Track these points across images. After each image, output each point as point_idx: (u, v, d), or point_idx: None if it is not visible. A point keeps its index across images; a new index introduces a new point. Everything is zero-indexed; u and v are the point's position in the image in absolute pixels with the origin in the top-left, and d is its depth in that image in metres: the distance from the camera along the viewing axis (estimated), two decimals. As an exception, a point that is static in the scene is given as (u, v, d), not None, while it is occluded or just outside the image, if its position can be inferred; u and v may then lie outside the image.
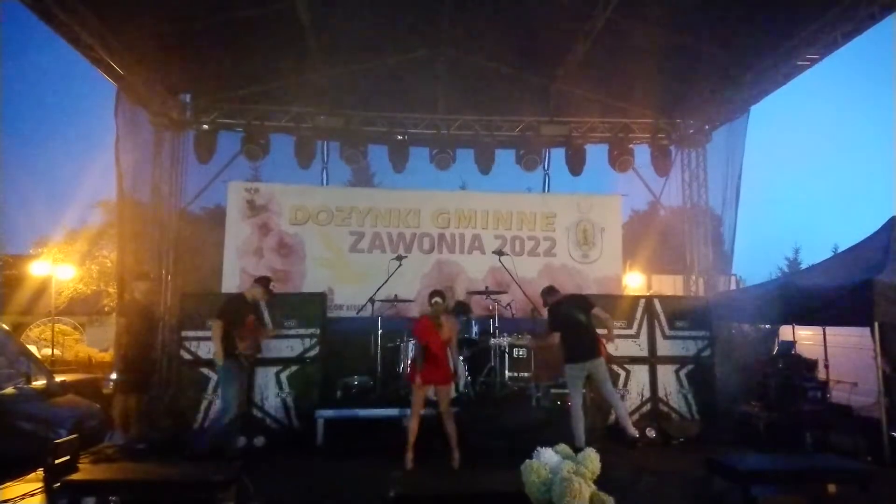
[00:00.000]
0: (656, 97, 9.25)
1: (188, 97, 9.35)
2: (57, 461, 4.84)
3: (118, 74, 7.76)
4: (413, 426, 5.59)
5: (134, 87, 8.05)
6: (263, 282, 6.35)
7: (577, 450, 5.14)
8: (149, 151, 8.66)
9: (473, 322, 7.65)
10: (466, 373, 6.97)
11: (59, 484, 4.19)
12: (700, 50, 7.94)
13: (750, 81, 8.39)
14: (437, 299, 5.81)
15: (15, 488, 4.72)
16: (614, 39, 7.62)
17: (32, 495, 4.53)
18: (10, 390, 6.68)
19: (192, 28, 7.27)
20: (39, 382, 7.17)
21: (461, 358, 6.79)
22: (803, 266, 29.03)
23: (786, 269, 28.99)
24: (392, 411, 6.45)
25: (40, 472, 5.00)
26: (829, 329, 7.83)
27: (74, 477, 4.35)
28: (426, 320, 5.76)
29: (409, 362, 6.82)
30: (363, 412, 6.54)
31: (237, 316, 5.97)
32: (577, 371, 6.09)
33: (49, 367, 9.35)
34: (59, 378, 8.05)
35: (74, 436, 5.35)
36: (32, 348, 11.04)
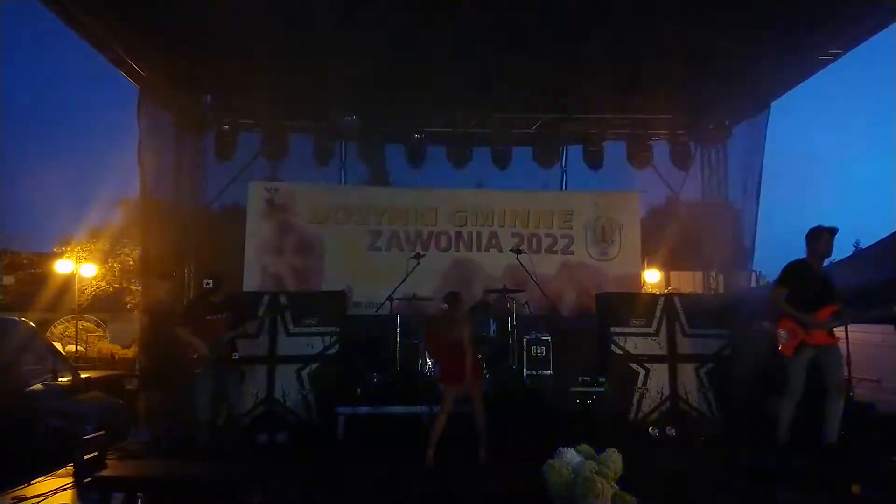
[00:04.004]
0: (675, 93, 9.14)
1: (209, 98, 9.46)
2: (86, 457, 4.96)
3: (140, 76, 7.87)
4: (437, 425, 5.63)
5: (156, 89, 8.14)
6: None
7: (782, 444, 5.10)
8: (171, 151, 8.75)
9: (491, 320, 7.67)
10: (485, 373, 6.98)
11: (89, 480, 4.30)
12: (720, 45, 7.84)
13: (770, 77, 8.28)
14: (444, 305, 5.88)
15: (45, 483, 4.83)
16: (633, 35, 7.56)
17: (63, 490, 4.64)
18: (37, 386, 6.83)
19: (212, 30, 7.33)
20: (65, 379, 7.32)
21: (479, 356, 6.82)
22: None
23: (806, 265, 28.62)
24: (412, 408, 6.50)
25: (70, 468, 5.13)
26: (851, 326, 7.73)
27: (104, 473, 4.46)
28: (435, 323, 5.88)
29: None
30: (383, 409, 6.59)
31: (196, 319, 5.95)
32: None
33: (73, 363, 9.53)
34: (83, 375, 8.21)
35: (102, 432, 5.48)
36: (57, 345, 11.27)
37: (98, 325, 19.40)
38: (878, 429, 6.11)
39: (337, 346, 7.04)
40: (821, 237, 5.19)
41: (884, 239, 6.78)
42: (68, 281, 16.29)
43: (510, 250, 8.81)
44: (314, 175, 9.78)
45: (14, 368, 6.79)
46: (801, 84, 8.24)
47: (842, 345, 7.65)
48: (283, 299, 7.17)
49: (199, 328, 5.88)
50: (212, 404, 5.98)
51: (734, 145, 9.73)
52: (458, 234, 9.78)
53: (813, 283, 5.06)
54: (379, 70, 8.56)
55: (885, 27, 6.71)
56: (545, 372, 7.39)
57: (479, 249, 9.76)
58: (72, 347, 15.52)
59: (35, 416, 6.23)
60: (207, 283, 6.00)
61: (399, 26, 7.70)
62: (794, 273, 5.20)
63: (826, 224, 5.37)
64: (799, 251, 5.58)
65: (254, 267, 9.32)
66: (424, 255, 8.63)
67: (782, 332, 5.18)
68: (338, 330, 7.09)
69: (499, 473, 5.29)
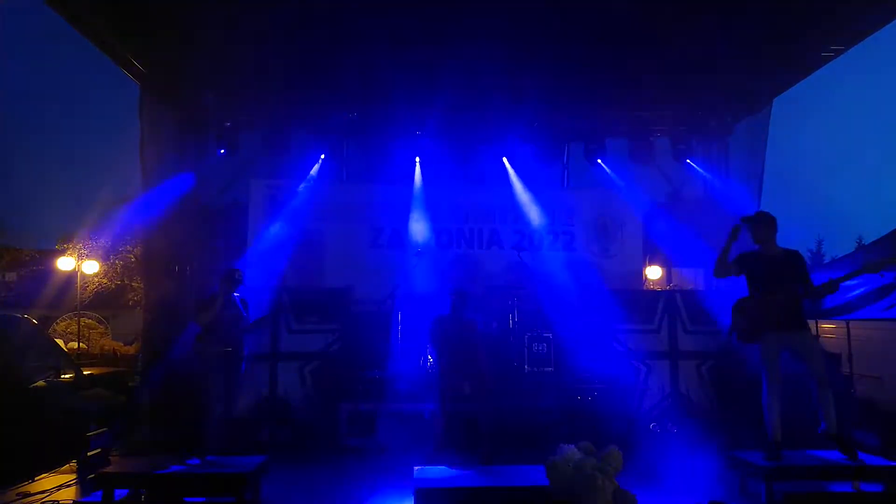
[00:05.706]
0: (677, 89, 9.13)
1: (210, 95, 9.43)
2: (89, 454, 4.98)
3: (141, 73, 7.87)
4: (441, 421, 5.64)
5: (157, 86, 8.14)
6: (228, 274, 6.15)
7: (773, 444, 4.73)
8: (172, 149, 8.75)
9: (492, 317, 7.67)
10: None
11: (92, 476, 4.31)
12: (722, 41, 7.82)
13: (772, 73, 8.27)
14: (452, 301, 5.87)
15: (49, 480, 4.85)
16: (635, 32, 7.54)
17: (67, 486, 4.66)
18: (40, 383, 6.85)
19: (213, 28, 7.33)
20: (68, 376, 7.34)
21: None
22: (826, 259, 28.74)
23: (808, 262, 28.68)
24: (414, 405, 6.51)
25: (73, 465, 5.16)
26: (852, 322, 7.75)
27: (107, 470, 4.48)
28: (443, 318, 5.86)
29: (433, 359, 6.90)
30: (385, 406, 6.61)
31: (210, 313, 5.83)
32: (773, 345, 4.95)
33: (76, 360, 9.54)
34: (85, 372, 8.23)
35: (105, 429, 5.51)
36: (59, 342, 11.28)
37: (100, 322, 19.42)
38: (878, 426, 6.12)
39: (338, 344, 7.07)
40: (749, 227, 5.07)
41: (887, 235, 6.77)
42: (70, 278, 16.31)
43: (511, 247, 8.82)
44: (315, 172, 9.77)
45: (17, 365, 6.81)
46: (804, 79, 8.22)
47: (843, 342, 7.72)
48: (285, 297, 7.18)
49: (213, 322, 5.88)
50: (223, 398, 5.99)
51: (736, 141, 9.72)
52: (460, 230, 9.78)
53: (762, 268, 4.90)
54: (380, 67, 8.56)
55: (888, 23, 6.68)
56: (546, 369, 7.41)
57: (480, 247, 9.77)
58: (74, 344, 15.51)
59: (38, 413, 6.25)
60: (237, 273, 6.08)
61: (400, 25, 7.70)
62: (740, 262, 5.09)
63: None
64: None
65: (255, 264, 9.31)
66: (426, 252, 8.63)
67: (739, 320, 5.04)
68: (339, 327, 7.12)
69: (500, 469, 5.31)
